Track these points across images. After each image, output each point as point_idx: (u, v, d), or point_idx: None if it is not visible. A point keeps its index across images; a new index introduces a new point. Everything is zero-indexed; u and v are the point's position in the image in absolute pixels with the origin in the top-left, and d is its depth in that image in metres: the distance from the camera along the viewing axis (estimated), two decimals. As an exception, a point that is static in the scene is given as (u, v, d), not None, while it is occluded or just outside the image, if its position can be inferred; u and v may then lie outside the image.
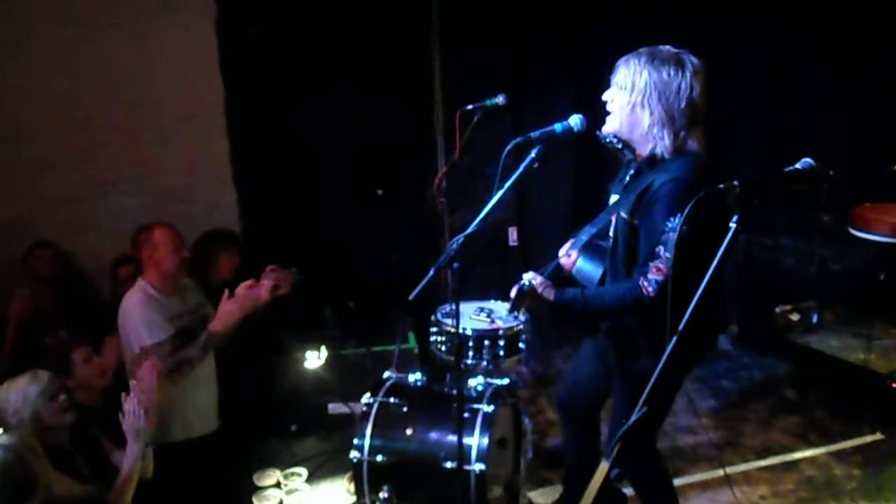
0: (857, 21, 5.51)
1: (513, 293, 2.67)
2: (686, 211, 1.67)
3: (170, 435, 3.58)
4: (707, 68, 2.54)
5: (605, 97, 2.63)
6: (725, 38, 5.60)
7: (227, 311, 3.54)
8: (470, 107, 3.60)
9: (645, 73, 2.50)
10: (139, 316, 3.52)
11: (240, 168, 5.32)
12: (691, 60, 2.52)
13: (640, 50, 2.56)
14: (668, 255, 2.41)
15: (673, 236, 2.40)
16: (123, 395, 2.90)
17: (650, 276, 2.47)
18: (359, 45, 5.17)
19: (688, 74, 2.48)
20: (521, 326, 3.48)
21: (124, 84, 4.97)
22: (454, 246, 2.46)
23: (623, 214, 2.65)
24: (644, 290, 2.48)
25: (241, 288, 3.60)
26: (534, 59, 5.52)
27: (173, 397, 3.52)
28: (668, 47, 2.55)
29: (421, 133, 5.64)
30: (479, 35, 5.35)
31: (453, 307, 2.63)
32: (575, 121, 2.63)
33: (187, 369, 3.52)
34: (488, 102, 3.56)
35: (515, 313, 3.11)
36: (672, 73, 2.48)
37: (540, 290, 2.66)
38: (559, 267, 3.00)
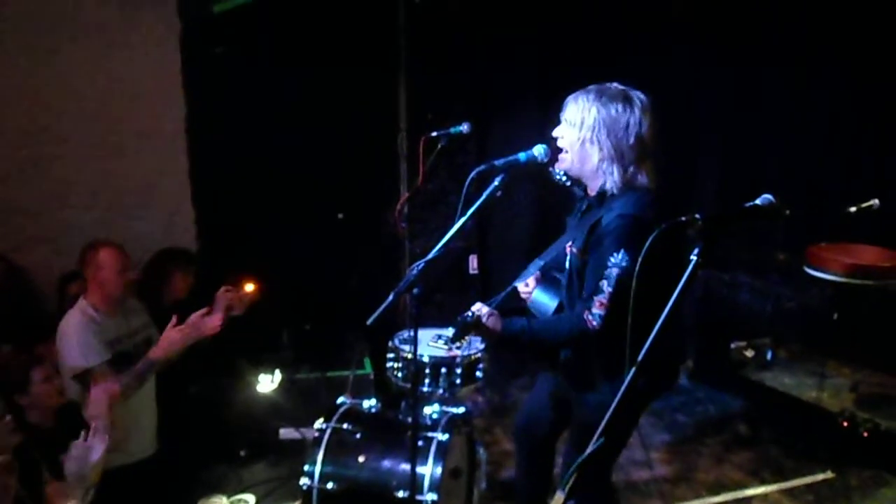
0: (816, 61, 5.64)
1: (456, 323, 2.66)
2: (647, 243, 1.66)
3: (106, 461, 3.44)
4: (654, 104, 2.58)
5: (555, 133, 2.66)
6: (688, 74, 5.71)
7: (170, 340, 3.44)
8: (434, 134, 3.59)
9: (594, 110, 2.53)
10: (75, 338, 3.41)
11: (199, 186, 5.25)
12: (639, 97, 2.56)
13: (589, 87, 2.61)
14: (610, 289, 2.44)
15: (616, 271, 2.43)
16: (83, 432, 2.82)
17: (594, 310, 2.49)
18: (324, 70, 5.16)
19: (636, 111, 2.53)
20: (479, 355, 3.46)
21: (82, 97, 4.88)
22: (414, 271, 2.44)
23: (574, 249, 2.68)
24: (588, 324, 2.50)
25: (194, 317, 3.50)
26: (499, 89, 5.56)
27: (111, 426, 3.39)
28: (615, 84, 2.60)
29: (384, 158, 5.63)
30: (445, 62, 5.38)
31: (411, 333, 2.61)
32: (539, 150, 2.65)
33: (124, 396, 3.40)
34: (452, 130, 3.56)
35: (458, 344, 3.10)
36: (620, 109, 2.52)
37: (485, 319, 2.65)
38: (510, 298, 2.99)
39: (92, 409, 2.95)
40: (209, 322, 3.53)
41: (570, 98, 2.62)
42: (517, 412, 3.51)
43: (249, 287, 3.93)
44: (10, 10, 4.66)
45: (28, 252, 4.84)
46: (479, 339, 3.42)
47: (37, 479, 2.93)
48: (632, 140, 2.52)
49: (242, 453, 4.29)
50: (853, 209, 4.40)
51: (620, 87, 2.59)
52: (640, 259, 1.73)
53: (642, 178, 2.56)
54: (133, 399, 3.49)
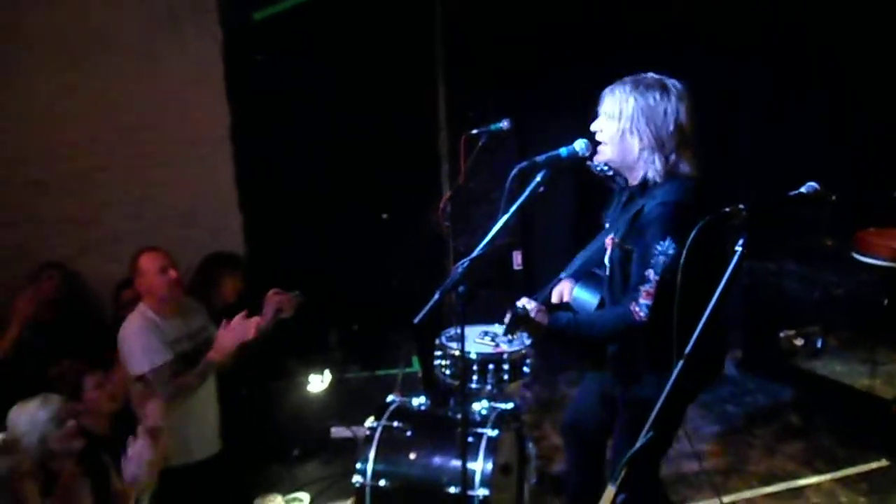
0: (859, 45, 5.54)
1: (507, 317, 2.67)
2: (692, 235, 1.67)
3: (168, 460, 3.49)
4: (690, 91, 2.58)
5: (593, 128, 2.66)
6: (728, 62, 5.65)
7: (222, 342, 3.52)
8: (475, 131, 3.61)
9: (631, 100, 2.53)
10: (137, 341, 3.50)
11: (245, 192, 5.35)
12: (675, 85, 2.56)
13: (624, 79, 2.61)
14: (657, 278, 2.43)
15: (662, 259, 2.42)
16: (131, 438, 2.90)
17: (641, 300, 2.48)
18: (364, 71, 5.21)
19: (673, 98, 2.52)
20: (526, 350, 3.47)
21: (129, 107, 5.00)
22: (459, 269, 2.46)
23: (616, 240, 2.67)
24: (636, 315, 2.49)
25: (236, 320, 3.56)
26: (539, 84, 5.55)
27: (172, 421, 3.47)
28: (650, 74, 2.60)
29: (426, 158, 5.67)
30: (484, 60, 5.39)
31: (457, 331, 2.63)
32: (580, 145, 2.65)
33: (184, 396, 3.49)
34: (493, 127, 3.56)
35: (510, 336, 3.12)
36: (658, 97, 2.52)
37: (533, 314, 2.66)
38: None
39: (149, 412, 3.02)
40: (251, 323, 3.57)
41: (607, 90, 2.62)
42: (565, 410, 3.51)
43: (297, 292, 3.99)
44: (54, 26, 4.79)
45: (81, 261, 4.97)
46: (525, 334, 3.44)
47: (105, 482, 3.03)
48: (671, 127, 2.51)
49: (296, 452, 4.36)
50: (902, 192, 4.32)
51: (656, 76, 2.59)
52: (685, 251, 1.74)
53: (684, 166, 2.55)
54: (195, 399, 3.58)
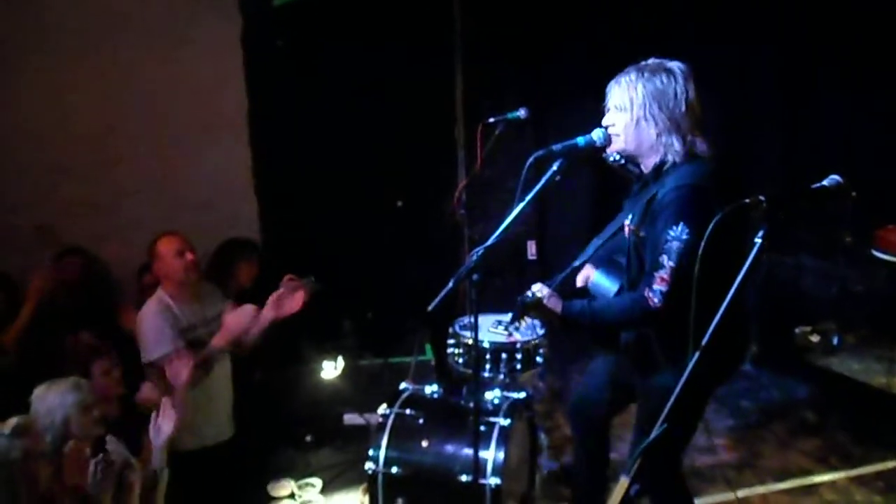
0: (881, 38, 5.47)
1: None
2: (710, 226, 1.65)
3: (182, 443, 3.50)
4: (695, 71, 2.57)
5: (605, 122, 2.64)
6: (745, 51, 5.61)
7: (226, 328, 3.52)
8: (491, 120, 3.60)
9: (640, 87, 2.53)
10: (149, 325, 3.52)
11: (262, 179, 5.36)
12: (678, 66, 2.55)
13: (626, 69, 2.60)
14: (672, 264, 2.41)
15: (676, 245, 2.40)
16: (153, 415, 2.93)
17: (655, 286, 2.46)
18: (382, 59, 5.21)
19: (680, 79, 2.52)
20: (539, 340, 3.47)
21: (147, 95, 5.02)
22: (474, 258, 2.46)
23: (631, 227, 2.66)
24: (650, 301, 2.47)
25: (245, 306, 3.57)
26: (556, 73, 5.53)
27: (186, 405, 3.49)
28: (651, 59, 2.59)
29: (442, 146, 5.66)
30: (501, 49, 5.38)
31: (471, 319, 2.63)
32: (598, 134, 2.64)
33: (190, 384, 3.44)
34: (510, 115, 3.56)
35: (517, 324, 3.12)
36: (665, 80, 2.51)
37: (547, 300, 2.65)
38: (569, 278, 2.98)
39: (173, 382, 3.06)
40: (262, 317, 3.55)
41: (612, 83, 2.62)
42: (573, 391, 3.50)
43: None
44: (75, 13, 4.81)
45: (102, 246, 4.99)
46: (538, 323, 3.43)
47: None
48: (683, 108, 2.50)
49: (309, 438, 4.38)
50: (923, 189, 4.27)
51: (657, 60, 2.58)
52: (703, 240, 1.72)
53: (701, 145, 2.54)
54: (210, 383, 3.58)
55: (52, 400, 2.76)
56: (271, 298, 3.57)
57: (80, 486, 2.67)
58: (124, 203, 5.09)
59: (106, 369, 3.29)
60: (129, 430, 3.11)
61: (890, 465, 4.15)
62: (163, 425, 3.01)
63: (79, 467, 2.70)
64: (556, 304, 2.66)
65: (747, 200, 1.62)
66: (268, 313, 3.57)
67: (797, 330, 5.47)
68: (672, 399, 1.66)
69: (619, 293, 2.79)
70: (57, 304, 4.12)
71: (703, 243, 1.72)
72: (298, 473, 4.08)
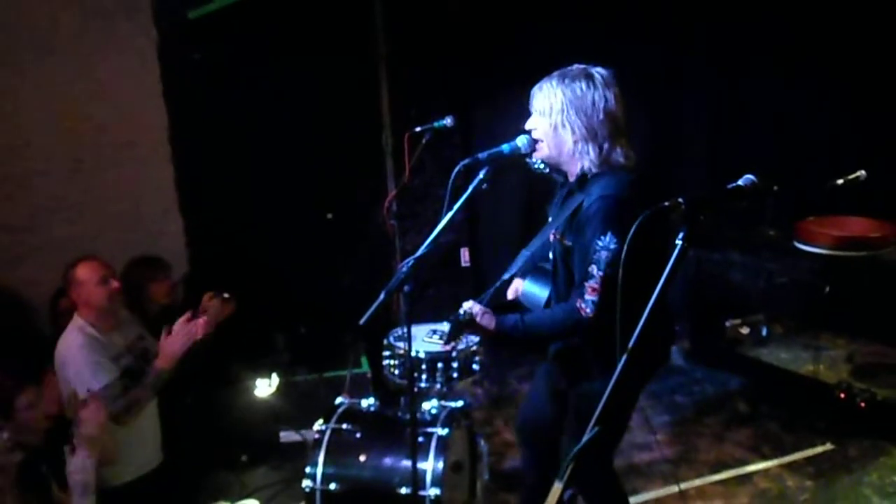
0: (803, 37, 5.64)
1: (447, 325, 2.67)
2: (632, 230, 1.66)
3: (109, 479, 3.38)
4: (617, 78, 2.58)
5: (527, 126, 2.66)
6: (670, 57, 5.72)
7: (170, 349, 3.40)
8: (418, 129, 3.59)
9: (559, 93, 2.54)
10: (82, 360, 3.35)
11: (185, 194, 5.23)
12: (599, 73, 2.56)
13: (552, 74, 2.62)
14: (601, 273, 2.44)
15: (605, 255, 2.43)
16: (68, 448, 2.81)
17: (586, 296, 2.48)
18: (304, 69, 5.14)
19: (599, 86, 2.53)
20: (475, 348, 3.46)
21: (63, 110, 4.84)
22: (404, 269, 2.44)
23: (557, 236, 2.68)
24: (582, 312, 2.50)
25: (178, 324, 3.45)
26: (482, 80, 5.55)
27: (115, 437, 3.34)
28: (576, 65, 2.60)
29: (370, 156, 5.62)
30: (426, 56, 5.38)
31: (405, 330, 2.60)
32: (522, 141, 2.65)
33: (137, 410, 3.38)
34: (437, 124, 3.55)
35: (452, 344, 3.10)
36: (584, 87, 2.52)
37: (479, 318, 2.65)
38: (500, 291, 2.98)
39: (84, 430, 2.94)
40: (195, 328, 3.46)
41: (536, 88, 2.63)
42: (518, 409, 3.51)
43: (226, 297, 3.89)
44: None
45: (16, 269, 4.80)
46: (474, 335, 3.43)
47: (46, 492, 2.94)
48: (601, 116, 2.51)
49: (244, 458, 4.29)
50: (840, 182, 4.41)
51: (581, 66, 2.59)
52: (625, 245, 1.73)
53: (618, 156, 2.55)
54: None
55: None
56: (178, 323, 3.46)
57: None
58: (42, 223, 4.90)
59: (31, 402, 3.15)
60: (54, 455, 2.98)
61: (819, 450, 4.28)
62: (84, 460, 2.88)
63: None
64: (489, 322, 2.67)
65: (666, 203, 1.64)
66: (198, 329, 3.48)
67: (727, 323, 5.59)
68: (602, 402, 1.66)
69: (548, 301, 2.81)
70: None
71: (625, 247, 1.73)
72: (235, 495, 3.99)
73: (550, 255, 2.78)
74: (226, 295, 3.85)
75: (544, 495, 3.17)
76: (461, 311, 2.66)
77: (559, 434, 3.18)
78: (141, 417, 3.52)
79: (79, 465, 2.81)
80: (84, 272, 3.47)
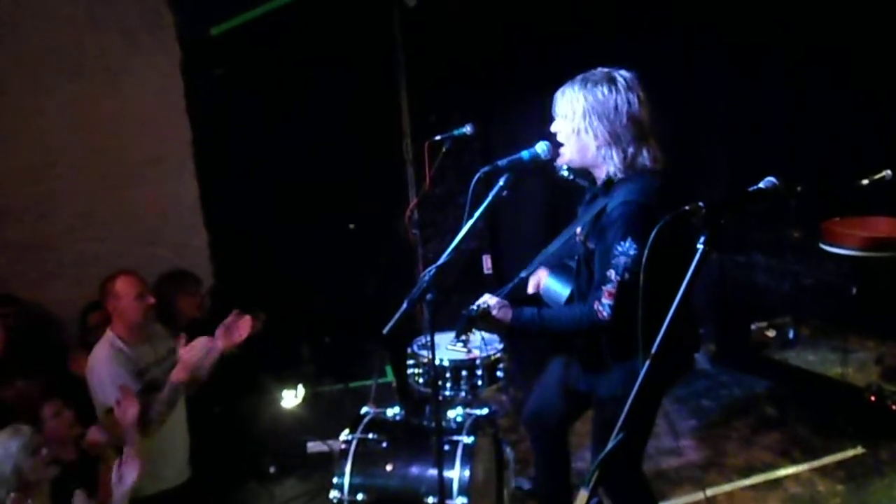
0: (826, 34, 5.60)
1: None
2: (653, 234, 1.66)
3: (139, 490, 3.29)
4: (642, 81, 2.57)
5: (552, 129, 2.66)
6: (691, 59, 5.70)
7: (185, 361, 3.40)
8: (438, 137, 3.60)
9: (581, 98, 2.53)
10: (105, 372, 3.40)
11: (210, 209, 5.28)
12: (622, 76, 2.55)
13: (574, 77, 2.61)
14: (618, 278, 2.44)
15: (623, 260, 2.43)
16: (116, 462, 2.85)
17: (603, 300, 2.48)
18: (325, 81, 5.19)
19: (622, 90, 2.52)
20: (499, 354, 3.46)
21: (90, 129, 4.92)
22: (426, 277, 2.45)
23: (581, 238, 2.69)
24: (599, 315, 2.50)
25: (200, 339, 3.46)
26: (501, 87, 5.56)
27: (144, 447, 3.39)
28: (600, 69, 2.59)
29: (391, 165, 5.65)
30: (445, 65, 5.39)
31: (429, 339, 2.61)
32: (542, 147, 2.66)
33: (156, 426, 3.39)
34: (456, 132, 3.56)
35: (463, 338, 3.10)
36: (606, 91, 2.51)
37: (496, 311, 2.65)
38: (518, 287, 2.98)
39: (126, 419, 2.99)
40: (216, 343, 3.47)
41: (559, 92, 2.63)
42: (527, 402, 3.50)
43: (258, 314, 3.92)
44: (10, 50, 4.72)
45: (47, 286, 4.88)
46: (496, 338, 3.43)
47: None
48: (624, 120, 2.50)
49: (272, 469, 4.31)
50: (865, 182, 4.37)
51: (604, 69, 2.58)
52: (646, 250, 1.73)
53: (644, 159, 2.54)
54: (165, 425, 3.47)
55: None
56: (219, 329, 3.49)
57: None
58: (70, 240, 4.98)
59: (56, 411, 3.20)
60: (87, 472, 3.02)
61: (849, 454, 4.22)
62: (126, 474, 2.92)
63: None
64: (505, 314, 2.66)
65: (687, 207, 1.64)
66: (218, 344, 3.50)
67: (753, 326, 5.55)
68: (626, 408, 1.66)
69: (570, 297, 2.81)
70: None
71: (646, 251, 1.73)
72: (264, 506, 4.02)
73: (576, 255, 2.78)
74: (259, 312, 3.88)
75: (553, 487, 3.21)
76: (474, 306, 2.65)
77: (567, 427, 3.24)
78: (169, 430, 3.55)
79: (114, 480, 2.85)
80: (123, 286, 3.53)
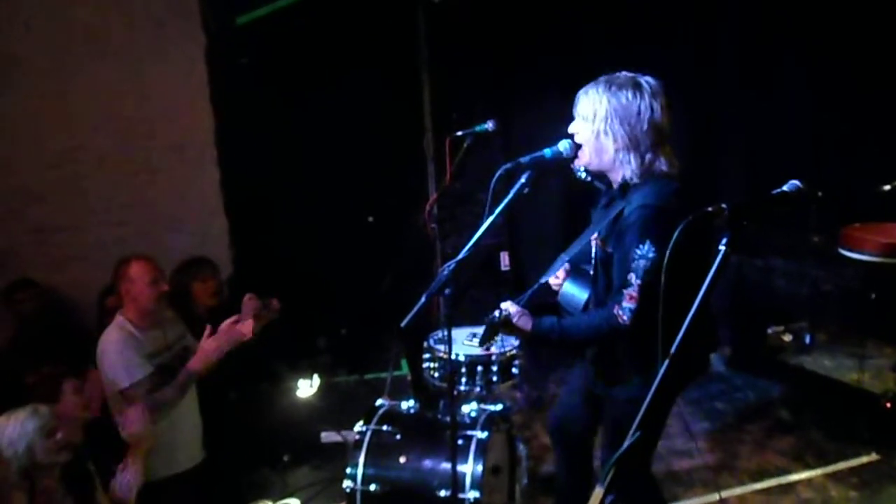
0: (841, 41, 5.55)
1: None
2: (675, 235, 1.66)
3: (153, 473, 3.37)
4: (665, 88, 2.56)
5: (570, 129, 2.65)
6: (710, 61, 5.67)
7: (206, 350, 3.45)
8: (460, 133, 3.60)
9: (604, 100, 2.52)
10: (116, 355, 3.42)
11: (230, 196, 5.33)
12: (648, 82, 2.54)
13: (598, 79, 2.59)
14: (639, 281, 2.43)
15: (643, 263, 2.42)
16: (120, 467, 2.89)
17: (624, 304, 2.47)
18: (348, 74, 5.20)
19: (646, 96, 2.50)
20: (514, 352, 3.47)
21: (114, 115, 4.98)
22: (445, 272, 2.46)
23: (598, 242, 2.68)
24: (619, 319, 2.48)
25: (225, 325, 3.50)
26: (522, 84, 5.56)
27: (154, 434, 3.35)
28: (624, 73, 2.58)
29: (412, 160, 5.67)
30: (468, 61, 5.40)
31: (446, 333, 2.62)
32: (564, 145, 2.64)
33: (165, 410, 3.43)
34: (478, 128, 3.55)
35: (487, 345, 3.11)
36: (630, 96, 2.50)
37: (516, 319, 2.65)
38: (540, 293, 2.98)
39: (130, 428, 3.01)
40: (241, 328, 3.52)
41: (581, 92, 2.61)
42: (551, 410, 3.50)
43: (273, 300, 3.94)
44: (39, 33, 4.77)
45: (67, 269, 4.94)
46: (512, 336, 3.43)
47: (91, 492, 3.01)
48: (645, 126, 2.49)
49: (285, 458, 4.34)
50: (887, 188, 4.33)
51: (629, 74, 2.57)
52: (667, 252, 1.73)
53: (661, 165, 2.54)
54: (177, 410, 3.51)
55: (11, 430, 2.70)
56: (224, 325, 3.52)
57: None
58: (92, 224, 5.03)
59: (76, 388, 3.24)
60: (100, 459, 3.05)
61: (864, 460, 4.19)
62: (128, 480, 2.95)
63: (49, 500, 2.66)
64: (525, 323, 2.66)
65: (710, 209, 1.64)
66: (246, 331, 3.54)
67: (770, 330, 5.52)
68: (644, 407, 1.66)
69: (587, 301, 2.81)
70: (16, 340, 4.04)
71: (667, 253, 1.72)
72: (276, 494, 4.05)
73: (593, 258, 2.78)
74: (274, 302, 3.90)
75: (577, 497, 3.19)
76: (496, 313, 2.66)
77: (592, 436, 3.19)
78: (181, 415, 3.59)
79: (120, 475, 2.88)
80: (137, 270, 3.53)
